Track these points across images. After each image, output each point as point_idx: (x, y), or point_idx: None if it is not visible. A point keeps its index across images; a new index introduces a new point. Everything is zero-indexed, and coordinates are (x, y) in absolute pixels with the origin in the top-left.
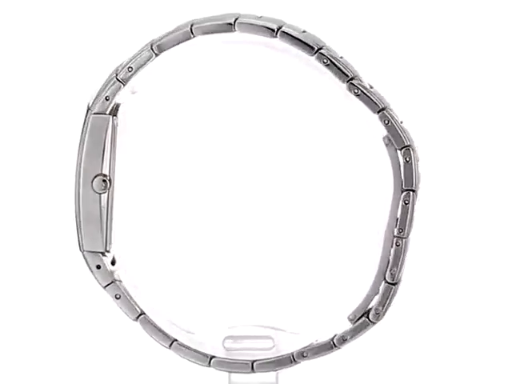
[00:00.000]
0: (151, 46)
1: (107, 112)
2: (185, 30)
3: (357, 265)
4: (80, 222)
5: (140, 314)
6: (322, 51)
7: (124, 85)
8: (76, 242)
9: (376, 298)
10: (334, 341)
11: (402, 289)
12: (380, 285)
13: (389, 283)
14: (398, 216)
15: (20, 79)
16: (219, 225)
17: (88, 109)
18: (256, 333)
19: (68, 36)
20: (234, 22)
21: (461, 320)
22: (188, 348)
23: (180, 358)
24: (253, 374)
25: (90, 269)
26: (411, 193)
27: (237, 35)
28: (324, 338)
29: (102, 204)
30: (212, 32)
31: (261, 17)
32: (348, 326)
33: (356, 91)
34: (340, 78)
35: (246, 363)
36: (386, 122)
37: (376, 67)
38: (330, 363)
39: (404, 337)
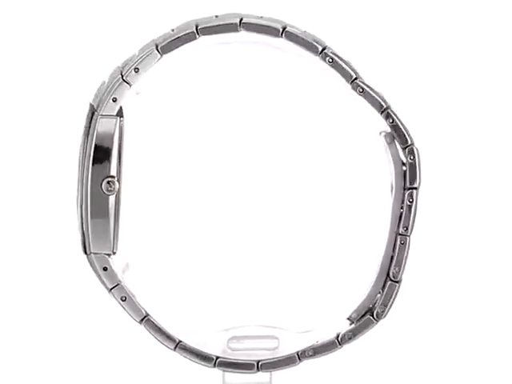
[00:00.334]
0: (157, 47)
1: (114, 113)
2: (190, 31)
3: (358, 263)
4: (88, 224)
5: (145, 316)
6: (325, 50)
7: (130, 86)
8: (79, 246)
9: (379, 296)
10: (339, 339)
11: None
12: (382, 283)
13: (393, 281)
14: (403, 214)
15: (19, 79)
16: (224, 225)
17: (94, 110)
18: (260, 333)
19: (67, 36)
20: (240, 22)
21: (460, 318)
22: (193, 349)
23: (184, 359)
24: (246, 375)
25: (96, 271)
26: (415, 191)
27: (242, 35)
28: (328, 336)
29: (111, 205)
30: (217, 32)
31: (261, 17)
32: (351, 324)
33: (360, 90)
34: (345, 76)
35: (252, 363)
36: (391, 120)
37: (370, 68)
38: (322, 363)
39: (401, 335)
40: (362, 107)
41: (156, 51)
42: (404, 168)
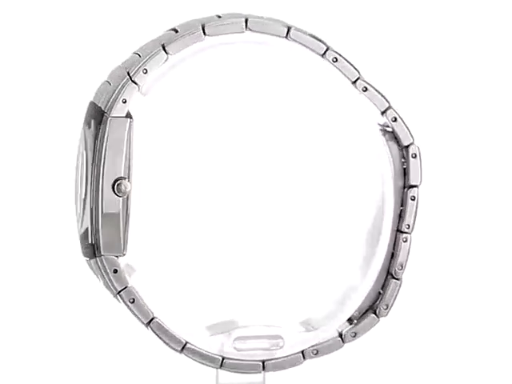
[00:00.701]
0: (163, 48)
1: (124, 115)
2: (197, 32)
3: (359, 262)
4: (99, 226)
5: (152, 318)
6: (329, 50)
7: (139, 87)
8: (77, 250)
9: (381, 294)
10: (343, 337)
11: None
12: (383, 281)
13: (396, 278)
14: (406, 212)
15: (19, 79)
16: (230, 223)
17: (103, 112)
18: (265, 332)
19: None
20: (246, 22)
21: (461, 313)
22: (199, 350)
23: (178, 361)
24: (240, 375)
25: (106, 274)
26: (416, 189)
27: (247, 36)
28: (331, 335)
29: (122, 206)
30: (224, 33)
31: (262, 17)
32: (353, 323)
33: (364, 88)
34: (348, 75)
35: (257, 363)
36: (393, 119)
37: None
38: (315, 362)
39: (401, 333)
40: (363, 106)
41: (163, 52)
42: (404, 166)
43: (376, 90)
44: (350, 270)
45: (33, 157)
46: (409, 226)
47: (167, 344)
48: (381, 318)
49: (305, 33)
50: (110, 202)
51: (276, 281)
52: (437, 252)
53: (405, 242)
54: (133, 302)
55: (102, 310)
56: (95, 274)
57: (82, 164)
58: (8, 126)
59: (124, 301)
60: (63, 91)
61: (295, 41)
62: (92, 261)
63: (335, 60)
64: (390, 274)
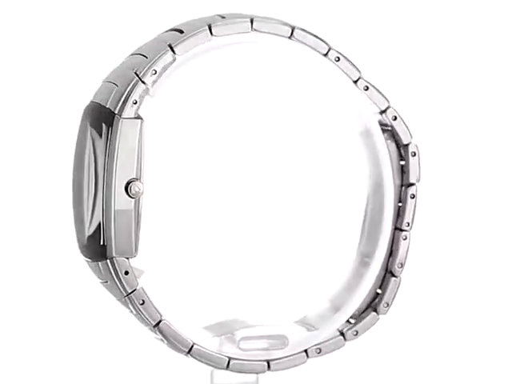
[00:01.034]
0: (172, 49)
1: (135, 116)
2: (204, 32)
3: (359, 262)
4: (112, 227)
5: (160, 320)
6: (331, 50)
7: (148, 88)
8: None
9: (380, 292)
10: (345, 336)
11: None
12: (382, 278)
13: (395, 276)
14: (406, 210)
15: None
16: (237, 225)
17: (113, 114)
18: (269, 332)
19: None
20: (251, 23)
21: (461, 311)
22: (206, 352)
23: (174, 361)
24: (234, 375)
25: (116, 276)
26: (415, 186)
27: (251, 36)
28: (332, 334)
29: (135, 207)
30: (230, 33)
31: (266, 17)
32: (353, 321)
33: (365, 87)
34: (349, 74)
35: (262, 363)
36: (393, 117)
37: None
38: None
39: (401, 332)
40: (364, 105)
41: (171, 52)
42: (402, 164)
43: (376, 90)
44: (349, 268)
45: (32, 157)
46: (408, 223)
47: (174, 346)
48: (380, 316)
49: (308, 33)
50: (122, 203)
51: (278, 281)
52: (436, 250)
53: (404, 239)
54: (143, 303)
55: (101, 312)
56: (99, 276)
57: (90, 166)
58: (8, 126)
59: (133, 303)
60: (63, 91)
61: (299, 41)
62: (101, 263)
63: (337, 59)
64: (389, 272)
